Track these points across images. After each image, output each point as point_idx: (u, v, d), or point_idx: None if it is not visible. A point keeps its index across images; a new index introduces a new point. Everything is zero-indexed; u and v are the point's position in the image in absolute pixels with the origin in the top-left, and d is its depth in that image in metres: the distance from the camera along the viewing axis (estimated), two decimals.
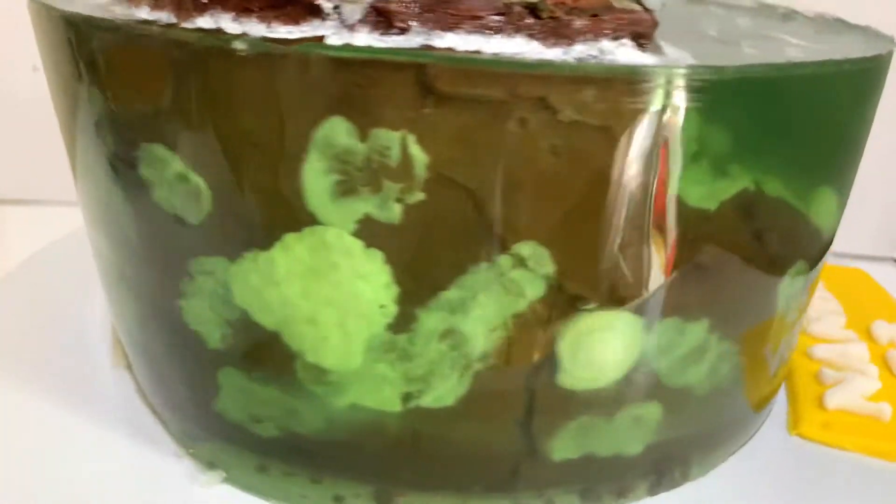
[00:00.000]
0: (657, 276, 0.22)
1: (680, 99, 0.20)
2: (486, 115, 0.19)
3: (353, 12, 0.20)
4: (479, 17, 0.19)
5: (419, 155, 0.20)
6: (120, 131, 0.23)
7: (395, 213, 0.21)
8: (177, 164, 0.22)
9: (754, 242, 0.24)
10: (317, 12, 0.20)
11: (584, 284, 0.22)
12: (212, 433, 0.27)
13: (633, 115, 0.20)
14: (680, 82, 0.20)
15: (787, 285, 0.26)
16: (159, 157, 0.22)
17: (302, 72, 0.20)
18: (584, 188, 0.21)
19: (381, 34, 0.20)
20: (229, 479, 0.26)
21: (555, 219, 0.21)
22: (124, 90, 0.23)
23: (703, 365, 0.25)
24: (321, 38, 0.20)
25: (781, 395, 0.32)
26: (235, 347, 0.24)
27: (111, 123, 0.23)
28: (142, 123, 0.22)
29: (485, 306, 0.22)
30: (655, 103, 0.20)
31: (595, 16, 0.20)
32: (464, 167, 0.20)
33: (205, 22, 0.21)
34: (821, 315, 0.38)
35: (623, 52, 0.20)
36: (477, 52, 0.19)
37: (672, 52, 0.22)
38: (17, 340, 0.33)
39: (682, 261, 0.23)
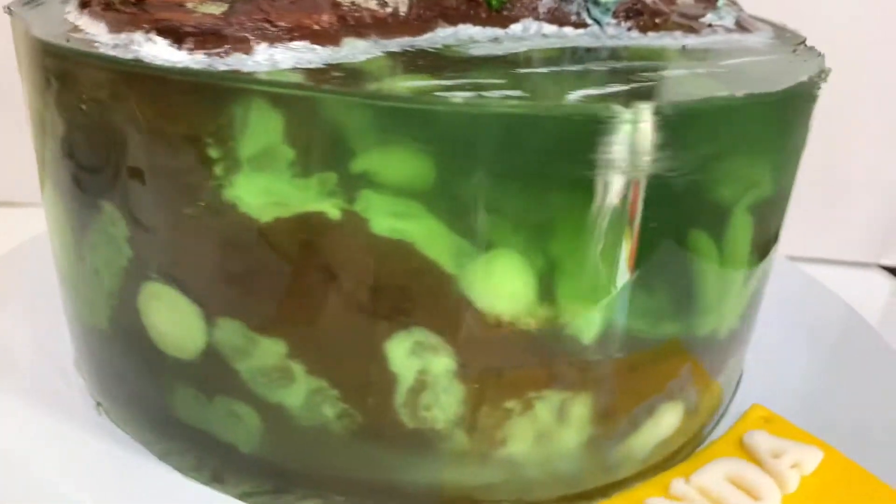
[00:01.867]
0: (192, 268, 0.24)
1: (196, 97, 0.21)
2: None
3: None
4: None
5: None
6: None
7: None
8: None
9: (324, 278, 0.23)
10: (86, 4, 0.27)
11: (140, 252, 0.25)
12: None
13: (123, 99, 0.22)
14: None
15: (405, 354, 0.23)
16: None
17: (29, 50, 0.26)
18: (117, 158, 0.23)
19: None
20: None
21: (113, 183, 0.24)
22: None
23: (295, 393, 0.25)
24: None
25: None
26: None
27: None
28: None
29: (104, 253, 0.26)
30: (154, 94, 0.22)
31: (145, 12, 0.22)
32: (64, 125, 0.25)
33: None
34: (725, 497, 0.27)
35: (149, 47, 0.22)
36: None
37: (262, 58, 0.22)
38: None
39: (222, 262, 0.23)
